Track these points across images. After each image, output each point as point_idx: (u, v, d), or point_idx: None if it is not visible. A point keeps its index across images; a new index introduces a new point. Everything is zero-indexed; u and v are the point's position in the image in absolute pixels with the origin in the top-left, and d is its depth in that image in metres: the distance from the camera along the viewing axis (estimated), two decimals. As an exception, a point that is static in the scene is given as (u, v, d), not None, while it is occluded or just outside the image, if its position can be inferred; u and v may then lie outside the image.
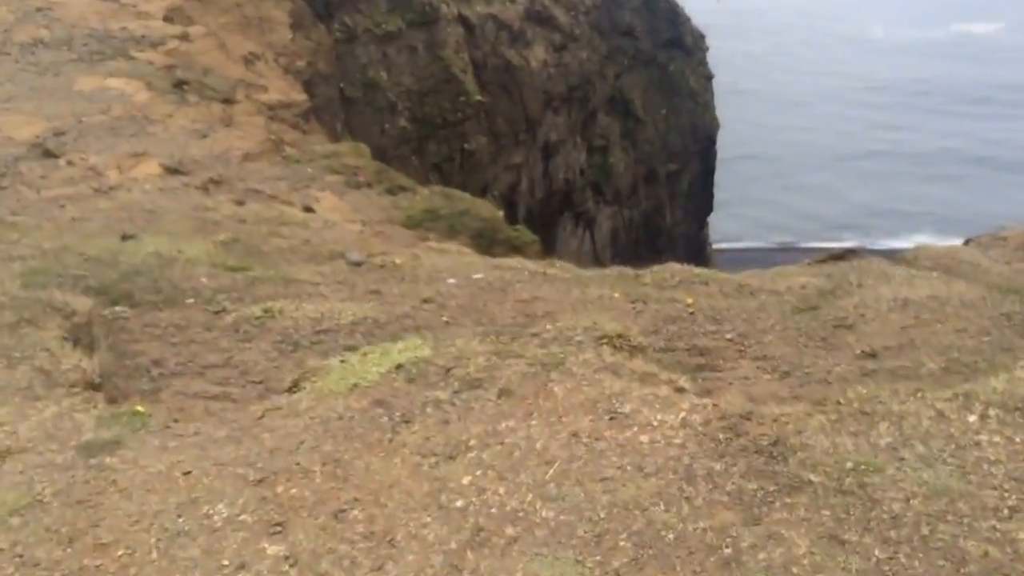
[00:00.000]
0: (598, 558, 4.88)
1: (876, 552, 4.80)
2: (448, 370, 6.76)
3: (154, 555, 5.02)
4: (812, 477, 5.34)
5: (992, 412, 5.64)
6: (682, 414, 6.05)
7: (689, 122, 48.49)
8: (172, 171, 16.48)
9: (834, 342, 7.91)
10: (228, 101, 25.21)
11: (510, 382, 6.52)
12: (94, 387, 7.02)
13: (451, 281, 10.72)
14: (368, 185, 21.53)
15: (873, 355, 7.43)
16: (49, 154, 15.86)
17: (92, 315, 8.09)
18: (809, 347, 7.90)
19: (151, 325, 8.80)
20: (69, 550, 5.07)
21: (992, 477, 5.21)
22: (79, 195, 13.48)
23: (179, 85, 22.24)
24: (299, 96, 28.52)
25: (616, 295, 9.91)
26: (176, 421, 6.63)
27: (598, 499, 5.32)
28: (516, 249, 20.72)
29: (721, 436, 5.81)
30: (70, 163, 15.52)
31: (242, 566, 4.92)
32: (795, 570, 4.72)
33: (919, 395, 5.95)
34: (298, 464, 5.76)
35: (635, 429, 5.93)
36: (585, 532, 5.06)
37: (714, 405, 6.12)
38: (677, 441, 5.79)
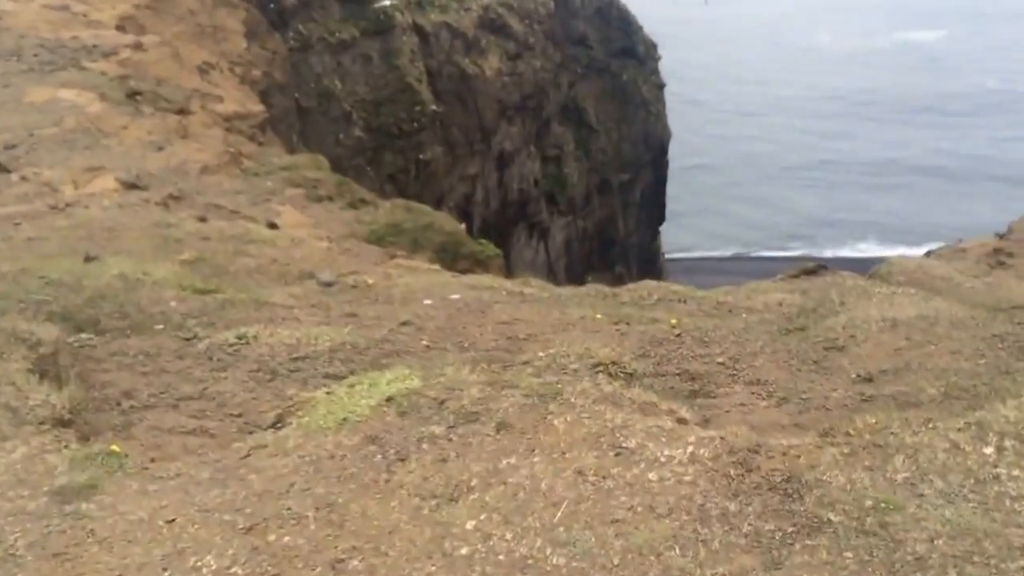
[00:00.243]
0: (617, 609, 4.65)
1: (905, 597, 4.62)
2: (441, 402, 6.49)
3: (143, 614, 4.70)
4: (831, 516, 5.15)
5: (1008, 443, 5.51)
6: (690, 448, 5.84)
7: (642, 131, 48.64)
8: (130, 186, 16.00)
9: (827, 365, 7.77)
10: (183, 112, 24.68)
11: (508, 415, 6.27)
12: (64, 424, 6.65)
13: (427, 302, 10.45)
14: (329, 199, 21.17)
15: (870, 379, 7.29)
16: (1, 168, 15.32)
17: (59, 344, 7.70)
18: (802, 371, 7.75)
19: (119, 353, 8.42)
20: (50, 610, 4.74)
21: (1016, 514, 5.06)
22: (35, 213, 13.00)
23: (133, 96, 21.71)
24: (255, 107, 28.06)
25: (598, 316, 9.71)
26: (154, 461, 6.29)
27: (610, 544, 5.08)
28: (480, 263, 20.50)
29: (732, 472, 5.61)
30: (24, 178, 15.01)
31: (239, 625, 4.62)
32: (825, 619, 4.53)
33: (931, 425, 5.80)
34: (290, 509, 5.46)
35: (643, 466, 5.71)
36: (601, 580, 4.83)
37: (721, 438, 5.92)
38: (688, 478, 5.58)
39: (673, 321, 9.32)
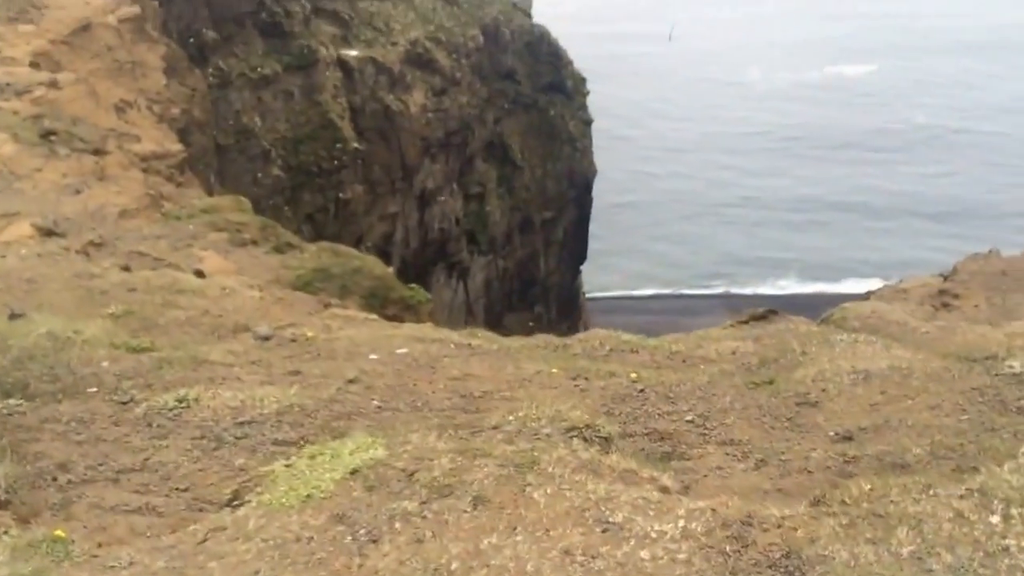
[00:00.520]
0: None
1: None
2: (411, 474, 6.10)
3: None
4: (839, 597, 4.89)
5: (1015, 511, 5.32)
6: (680, 522, 5.54)
7: (567, 168, 48.71)
8: (47, 233, 15.26)
9: (801, 422, 7.57)
10: (99, 152, 23.86)
11: (484, 488, 5.90)
12: (0, 505, 6.08)
13: (373, 357, 10.03)
14: (253, 243, 20.59)
15: (849, 437, 7.10)
16: (-93, 216, 14.47)
17: (-14, 415, 7.12)
18: (776, 428, 7.53)
19: (51, 420, 7.84)
20: None
21: (1029, 589, 4.86)
22: (-52, 264, 12.26)
23: (47, 136, 20.89)
24: (174, 146, 27.28)
25: (554, 371, 9.40)
26: (101, 546, 5.78)
27: (610, 632, 4.74)
28: (410, 308, 20.09)
29: (728, 548, 5.32)
30: (-67, 226, 14.19)
31: None
32: None
33: (932, 492, 5.60)
34: (257, 602, 5.01)
35: (632, 543, 5.39)
36: (606, 677, 4.49)
37: (712, 510, 5.64)
38: (682, 556, 5.27)
39: (633, 375, 9.06)
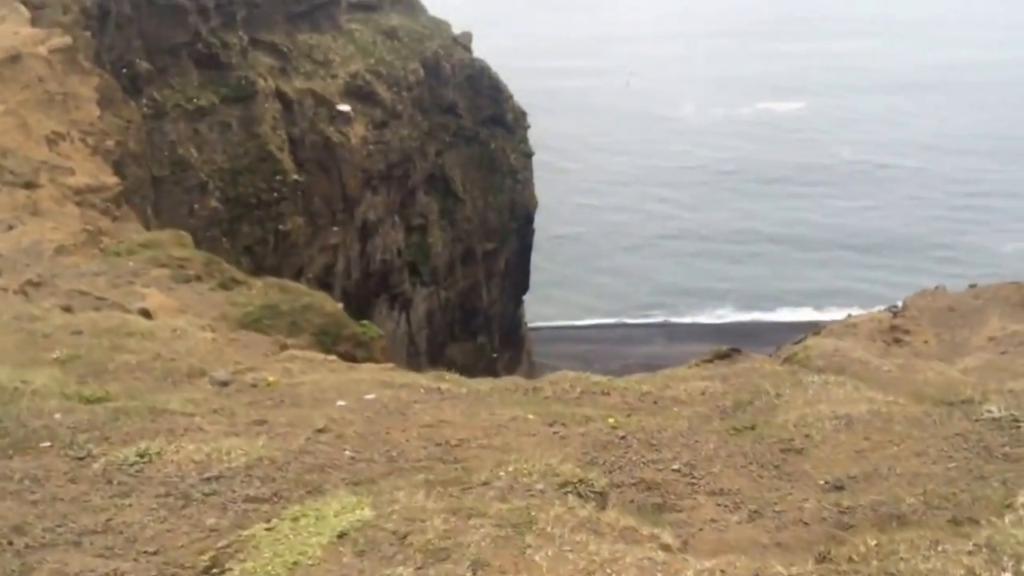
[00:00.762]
0: None
1: None
2: (403, 537, 5.79)
3: None
4: (866, 665, 4.69)
5: (1027, 569, 5.19)
6: (691, 586, 5.31)
7: (508, 200, 48.73)
8: (-17, 271, 14.63)
9: (789, 470, 7.41)
10: (31, 186, 23.20)
11: (482, 550, 5.61)
12: (-45, 579, 5.63)
13: (341, 404, 9.69)
14: (197, 278, 20.06)
15: (840, 487, 6.96)
16: None
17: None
18: (764, 477, 7.37)
19: (3, 478, 7.36)
20: None
21: (1056, 652, 4.72)
22: None
23: (-22, 170, 20.14)
24: (109, 179, 26.61)
25: (530, 416, 9.15)
26: (70, 623, 5.35)
27: None
28: (362, 345, 19.69)
29: (744, 613, 5.10)
30: None
31: None
32: None
33: (940, 548, 5.45)
34: None
35: (645, 609, 5.14)
36: None
37: (721, 571, 5.41)
38: (698, 623, 5.04)
39: (611, 421, 8.84)
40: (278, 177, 40.56)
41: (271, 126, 40.70)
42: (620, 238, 74.41)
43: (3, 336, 11.57)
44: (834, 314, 56.56)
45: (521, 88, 53.56)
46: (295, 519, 6.11)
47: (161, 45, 38.75)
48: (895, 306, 16.52)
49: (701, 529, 6.70)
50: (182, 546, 6.61)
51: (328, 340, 18.75)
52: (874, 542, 5.62)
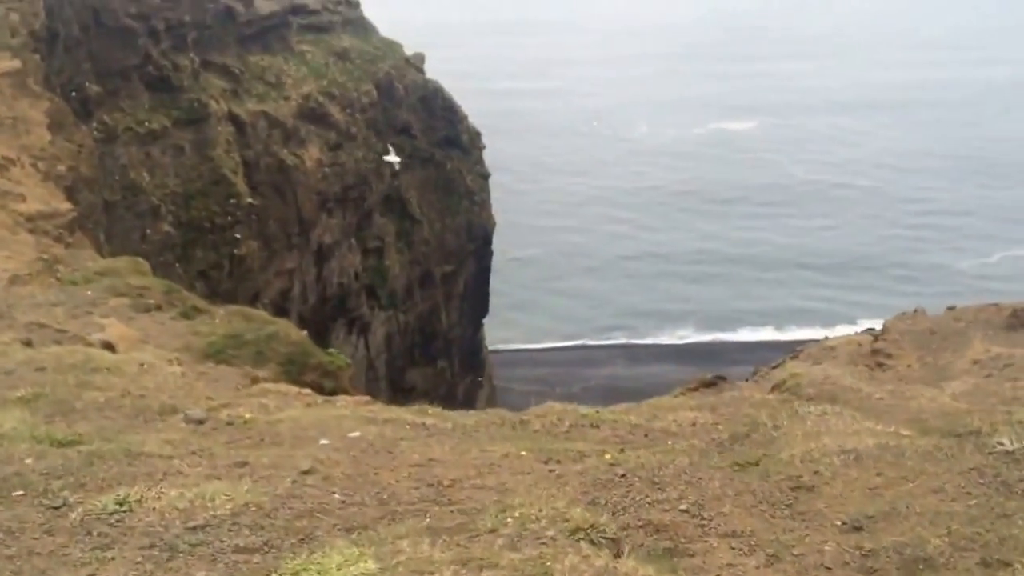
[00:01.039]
0: None
1: None
2: (414, 594, 5.46)
3: None
4: None
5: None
6: (725, 641, 5.04)
7: (465, 221, 48.45)
8: (-63, 304, 14.05)
9: (802, 510, 7.18)
10: (-18, 213, 22.50)
11: (499, 608, 5.31)
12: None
13: (324, 442, 9.31)
14: (158, 308, 19.52)
15: (859, 527, 6.73)
16: None
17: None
18: (777, 517, 7.12)
19: (-26, 533, 6.92)
20: None
21: None
22: None
23: (-73, 197, 19.47)
24: (62, 204, 25.95)
25: (522, 453, 8.85)
26: None
27: None
28: (329, 374, 19.24)
29: (784, 670, 4.84)
30: None
31: None
32: None
33: (980, 597, 5.23)
34: None
35: (679, 668, 4.86)
36: None
37: (754, 625, 5.15)
38: None
39: (608, 457, 8.58)
40: (232, 200, 39.96)
41: (224, 149, 40.11)
42: (579, 259, 74.61)
43: (-39, 374, 11.05)
44: (795, 333, 57.18)
45: (474, 109, 53.49)
46: (295, 574, 5.76)
47: (111, 68, 38.07)
48: (872, 329, 16.48)
49: (719, 575, 6.44)
50: (172, 604, 6.23)
51: (295, 370, 18.29)
52: (908, 589, 5.41)
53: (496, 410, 11.00)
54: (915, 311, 16.19)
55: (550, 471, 8.46)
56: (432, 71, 53.38)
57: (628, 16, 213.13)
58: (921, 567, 6.09)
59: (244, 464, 8.62)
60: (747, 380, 16.43)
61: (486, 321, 52.33)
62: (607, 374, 50.84)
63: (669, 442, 9.55)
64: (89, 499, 7.55)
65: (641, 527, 7.27)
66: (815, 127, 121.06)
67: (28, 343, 13.14)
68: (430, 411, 10.67)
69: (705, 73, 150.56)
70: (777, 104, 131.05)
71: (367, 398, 12.64)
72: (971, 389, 11.55)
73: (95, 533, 7.09)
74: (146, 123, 38.02)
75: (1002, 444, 7.67)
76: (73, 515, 7.32)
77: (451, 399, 46.20)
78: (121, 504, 7.45)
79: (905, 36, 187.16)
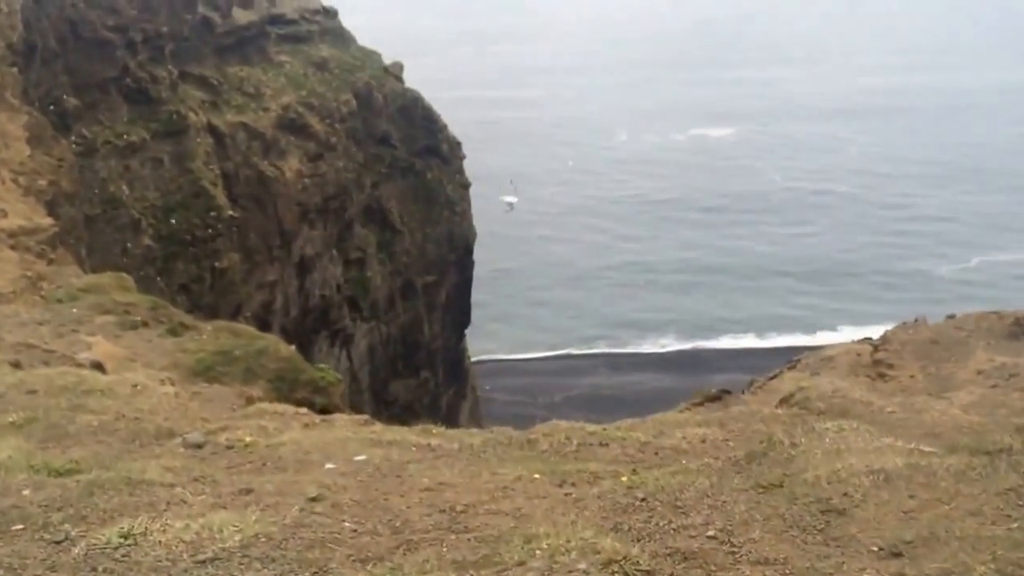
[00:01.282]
0: None
1: None
2: (446, 635, 5.23)
3: None
4: None
5: None
6: None
7: (447, 231, 48.22)
8: (-80, 326, 13.69)
9: (836, 535, 6.98)
10: (-38, 229, 22.11)
11: (537, 648, 5.08)
12: None
13: (330, 467, 9.06)
14: (145, 324, 19.23)
15: (899, 554, 6.54)
16: None
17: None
18: (809, 543, 6.92)
19: (-27, 571, 6.63)
20: None
21: None
22: None
23: (-93, 215, 19.09)
24: (44, 220, 25.57)
25: (536, 476, 8.62)
26: None
27: None
28: (320, 390, 18.97)
29: None
30: None
31: None
32: None
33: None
34: None
35: None
36: None
37: (803, 661, 4.95)
38: None
39: (624, 479, 8.36)
40: (212, 213, 39.58)
41: (204, 161, 39.76)
42: (560, 270, 74.64)
43: (-51, 399, 10.73)
44: (776, 341, 57.40)
45: (453, 119, 53.33)
46: (320, 614, 5.51)
47: (89, 80, 37.66)
48: (869, 338, 16.36)
49: (756, 608, 6.23)
50: (186, 646, 5.97)
51: (285, 387, 18.03)
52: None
53: (502, 428, 10.77)
54: (915, 320, 16.08)
55: (566, 495, 8.24)
56: (411, 80, 53.17)
57: (608, 25, 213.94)
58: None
59: (249, 491, 8.35)
60: (744, 392, 16.28)
61: (469, 332, 52.09)
62: (589, 383, 50.72)
63: (683, 461, 9.34)
64: (92, 532, 7.27)
65: (668, 555, 7.04)
66: (794, 133, 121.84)
67: (17, 364, 12.81)
68: (434, 431, 10.44)
69: (682, 81, 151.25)
70: (756, 111, 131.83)
71: (365, 417, 12.38)
72: (978, 400, 11.42)
73: (100, 569, 6.82)
74: (125, 136, 37.63)
75: (1034, 463, 7.51)
76: (76, 550, 7.04)
77: (435, 410, 45.92)
78: (125, 537, 7.17)
79: (882, 43, 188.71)
